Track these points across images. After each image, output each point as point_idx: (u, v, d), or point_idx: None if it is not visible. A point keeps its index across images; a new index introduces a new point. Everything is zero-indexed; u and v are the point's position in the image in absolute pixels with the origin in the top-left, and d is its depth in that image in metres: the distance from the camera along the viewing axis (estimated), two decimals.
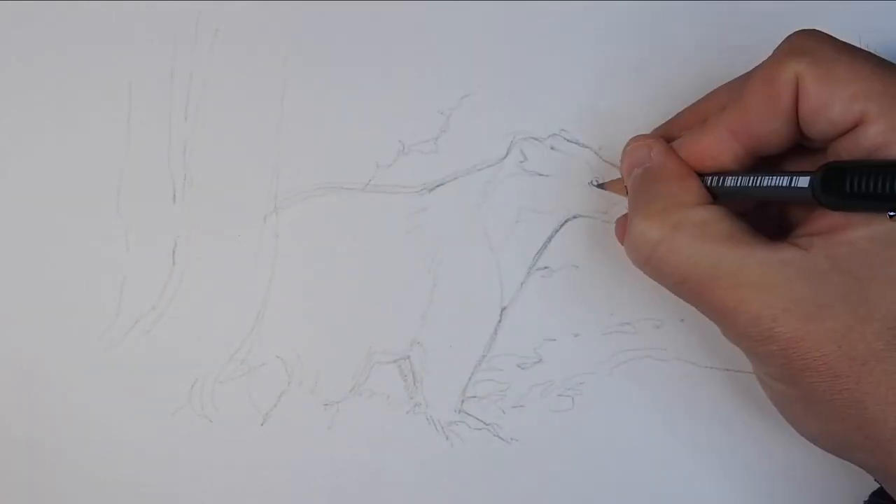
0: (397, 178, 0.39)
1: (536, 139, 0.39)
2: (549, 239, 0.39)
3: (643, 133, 0.36)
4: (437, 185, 0.39)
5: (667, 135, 0.34)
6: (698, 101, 0.35)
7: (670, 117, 0.36)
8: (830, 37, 0.30)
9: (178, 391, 0.38)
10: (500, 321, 0.39)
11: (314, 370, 0.39)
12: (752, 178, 0.30)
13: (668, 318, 0.39)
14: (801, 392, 0.30)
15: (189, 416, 0.38)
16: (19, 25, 0.36)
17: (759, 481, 0.39)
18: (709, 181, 0.32)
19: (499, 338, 0.39)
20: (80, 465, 0.38)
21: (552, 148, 0.39)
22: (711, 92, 0.34)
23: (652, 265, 0.31)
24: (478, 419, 0.40)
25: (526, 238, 0.39)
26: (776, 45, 0.31)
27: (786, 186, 0.29)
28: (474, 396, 0.40)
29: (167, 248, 0.38)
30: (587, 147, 0.39)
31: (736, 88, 0.32)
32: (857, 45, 0.30)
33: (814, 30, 0.30)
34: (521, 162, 0.39)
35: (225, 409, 0.39)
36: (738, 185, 0.31)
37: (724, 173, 0.32)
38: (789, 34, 0.31)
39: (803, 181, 0.28)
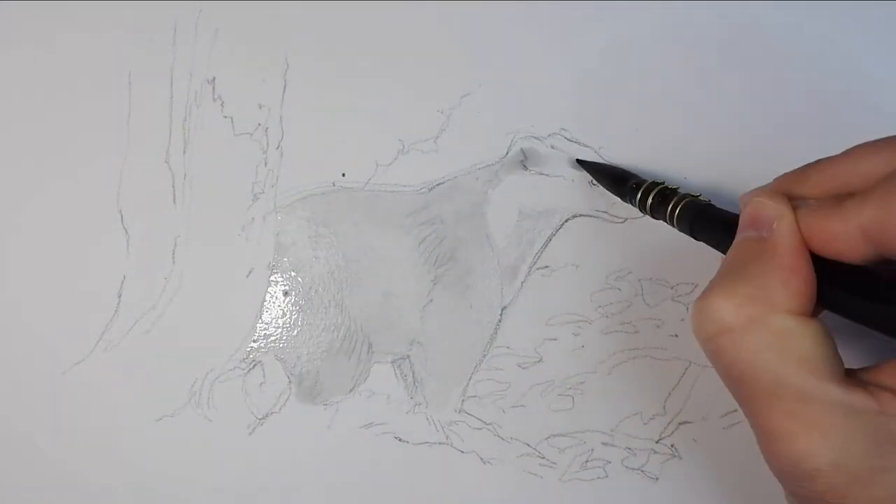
0: (397, 177, 0.39)
1: (536, 138, 0.39)
2: (549, 239, 0.39)
3: (763, 185, 0.30)
4: (437, 185, 0.39)
5: (791, 188, 0.29)
6: (834, 158, 0.29)
7: (797, 167, 0.30)
8: None
9: (177, 391, 0.38)
10: (500, 321, 0.39)
11: (314, 370, 0.39)
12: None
13: (668, 319, 0.39)
14: None
15: (189, 415, 0.38)
16: (19, 25, 0.36)
17: (758, 476, 0.39)
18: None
19: (499, 338, 0.39)
20: (79, 466, 0.38)
21: (552, 147, 0.39)
22: (850, 151, 0.29)
23: (710, 347, 0.27)
24: (478, 419, 0.40)
25: (526, 238, 0.39)
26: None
27: None
28: (474, 396, 0.40)
29: (167, 248, 0.38)
30: (587, 147, 0.39)
31: (882, 158, 0.27)
32: None
33: None
34: (522, 161, 0.39)
35: (225, 409, 0.39)
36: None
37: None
38: None
39: None
